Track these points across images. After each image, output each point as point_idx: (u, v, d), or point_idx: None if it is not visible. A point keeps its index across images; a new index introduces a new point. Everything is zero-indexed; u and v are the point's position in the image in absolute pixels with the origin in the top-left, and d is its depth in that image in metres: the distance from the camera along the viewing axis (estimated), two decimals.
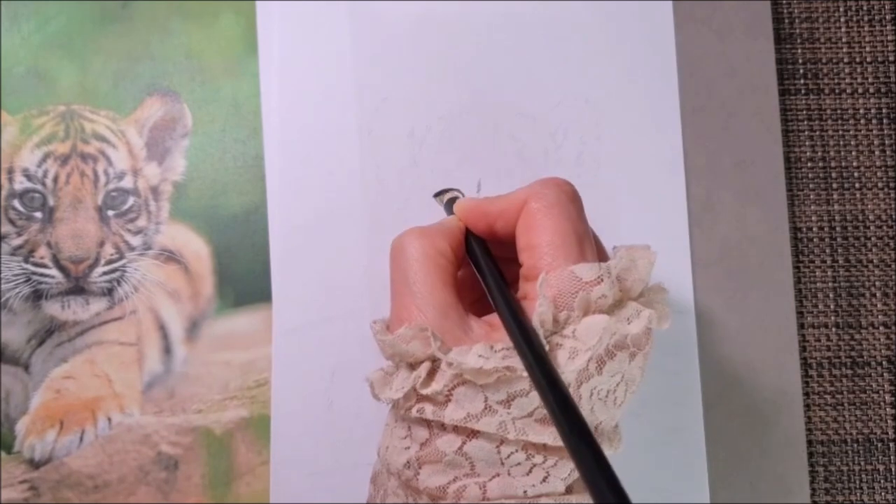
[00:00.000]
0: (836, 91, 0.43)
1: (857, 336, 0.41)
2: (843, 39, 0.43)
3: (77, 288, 0.39)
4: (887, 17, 0.43)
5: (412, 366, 0.29)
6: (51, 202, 0.40)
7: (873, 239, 0.42)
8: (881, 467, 0.41)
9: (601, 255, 0.31)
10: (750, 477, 0.40)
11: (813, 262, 0.42)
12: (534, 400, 0.28)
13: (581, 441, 0.24)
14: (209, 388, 0.40)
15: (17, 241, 0.40)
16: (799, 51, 0.43)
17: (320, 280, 0.40)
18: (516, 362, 0.27)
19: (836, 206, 0.42)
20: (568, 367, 0.27)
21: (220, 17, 0.42)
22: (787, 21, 0.43)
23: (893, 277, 0.42)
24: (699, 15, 0.42)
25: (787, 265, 0.41)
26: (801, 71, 0.43)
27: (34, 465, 0.39)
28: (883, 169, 0.42)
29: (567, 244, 0.29)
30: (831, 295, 0.41)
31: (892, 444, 0.41)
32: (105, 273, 0.40)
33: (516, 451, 0.28)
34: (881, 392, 0.41)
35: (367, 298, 0.40)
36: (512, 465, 0.28)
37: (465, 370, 0.27)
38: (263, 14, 0.41)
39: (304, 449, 0.39)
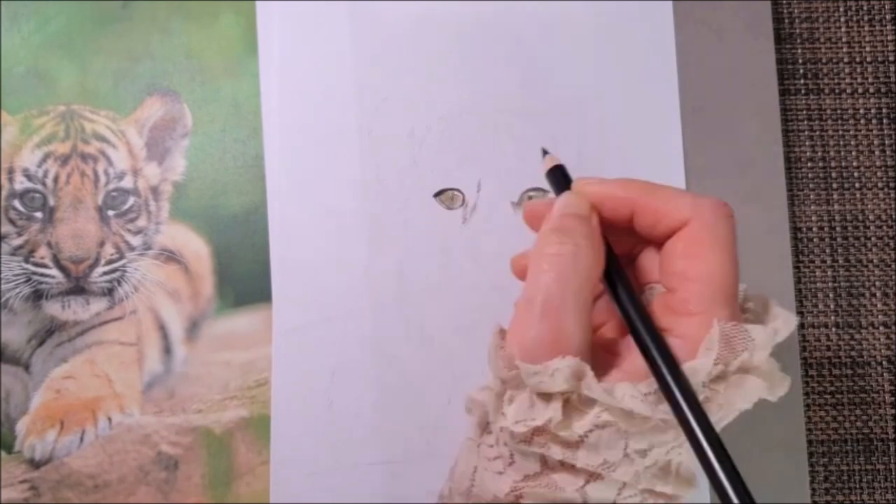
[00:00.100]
0: (836, 91, 0.43)
1: (857, 336, 0.41)
2: (843, 39, 0.43)
3: (77, 288, 0.39)
4: (887, 17, 0.43)
5: (541, 396, 0.26)
6: (51, 202, 0.40)
7: (873, 239, 0.42)
8: (881, 467, 0.41)
9: None
10: (750, 477, 0.40)
11: (813, 262, 0.42)
12: (664, 451, 0.26)
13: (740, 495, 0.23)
14: (209, 388, 0.40)
15: (17, 241, 0.40)
16: (799, 51, 0.43)
17: (320, 280, 0.40)
18: (668, 411, 0.25)
19: (836, 206, 0.42)
20: (717, 423, 0.26)
21: (220, 17, 0.42)
22: (787, 21, 0.43)
23: (893, 277, 0.42)
24: (699, 15, 0.42)
25: (787, 265, 0.41)
26: (801, 71, 0.43)
27: (34, 464, 0.39)
28: (883, 169, 0.42)
29: (729, 289, 0.26)
30: (831, 295, 0.41)
31: (892, 444, 0.41)
32: (105, 273, 0.40)
33: (635, 494, 0.26)
34: (881, 392, 0.41)
35: (368, 298, 0.40)
36: (624, 501, 0.26)
37: (616, 413, 0.25)
38: (263, 14, 0.41)
39: (304, 449, 0.39)
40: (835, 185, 0.42)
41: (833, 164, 0.42)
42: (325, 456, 0.39)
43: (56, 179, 0.40)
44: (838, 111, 0.42)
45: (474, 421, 0.29)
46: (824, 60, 0.43)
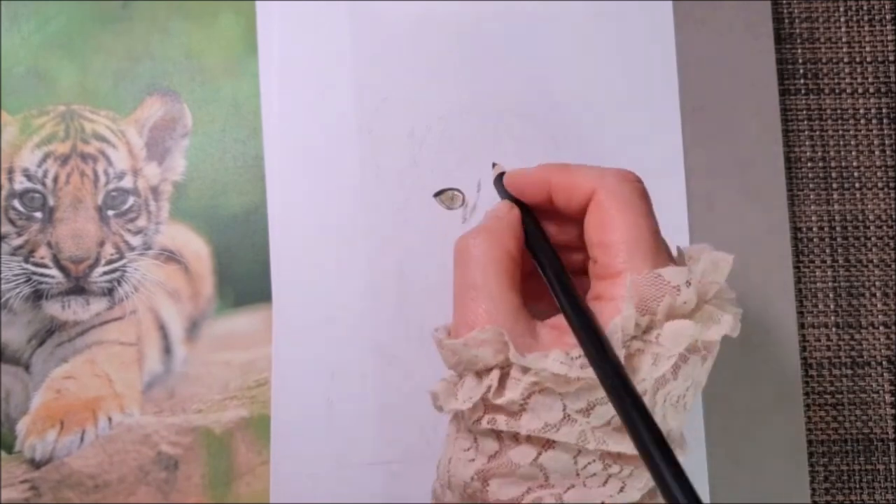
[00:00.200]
0: (836, 91, 0.43)
1: (857, 336, 0.41)
2: (843, 39, 0.43)
3: (77, 288, 0.39)
4: (887, 17, 0.43)
5: (479, 374, 0.28)
6: (51, 202, 0.40)
7: (873, 239, 0.42)
8: (881, 467, 0.41)
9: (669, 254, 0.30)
10: (750, 477, 0.40)
11: (813, 262, 0.42)
12: (610, 408, 0.26)
13: (660, 453, 0.23)
14: (209, 388, 0.40)
15: (17, 241, 0.40)
16: (799, 51, 0.43)
17: (320, 280, 0.40)
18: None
19: (836, 206, 0.42)
20: (651, 373, 0.26)
21: (220, 17, 0.42)
22: (787, 21, 0.43)
23: (893, 277, 0.42)
24: (699, 15, 0.42)
25: (787, 265, 0.41)
26: (801, 71, 0.43)
27: (35, 465, 0.39)
28: (883, 169, 0.42)
29: (644, 244, 0.28)
30: (831, 295, 0.41)
31: (892, 444, 0.41)
32: (105, 273, 0.40)
33: (594, 461, 0.27)
34: (881, 392, 0.41)
35: (367, 298, 0.40)
36: (588, 475, 0.27)
37: (546, 377, 0.26)
38: (263, 14, 0.41)
39: (304, 449, 0.39)
40: (835, 185, 0.42)
41: (833, 164, 0.42)
42: (325, 456, 0.39)
43: (56, 179, 0.40)
44: (838, 111, 0.42)
45: (450, 416, 0.30)
46: (824, 60, 0.43)
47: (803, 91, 0.43)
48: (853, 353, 0.41)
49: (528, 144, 0.41)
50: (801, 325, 0.41)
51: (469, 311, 0.28)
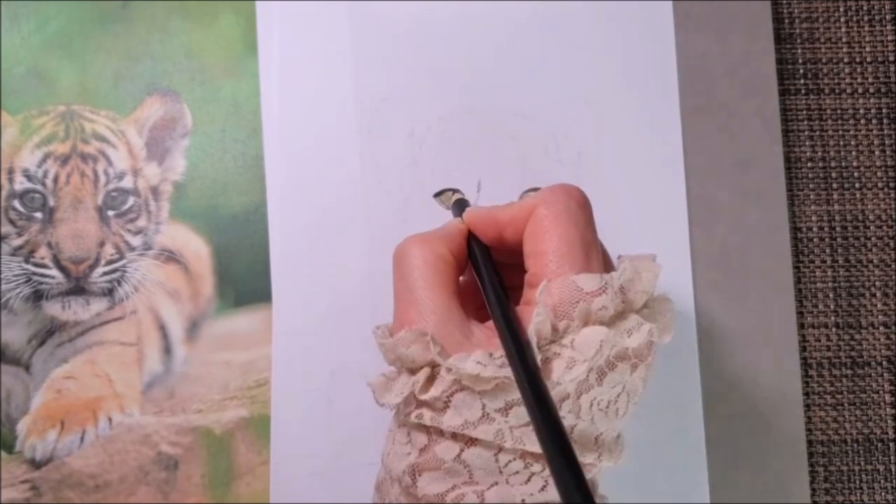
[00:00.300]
0: (836, 91, 0.43)
1: (857, 336, 0.41)
2: (843, 39, 0.43)
3: (77, 288, 0.40)
4: (887, 17, 0.43)
5: (413, 371, 0.29)
6: (51, 202, 0.40)
7: (873, 239, 0.42)
8: (881, 467, 0.41)
9: (608, 266, 0.31)
10: (750, 477, 0.40)
11: (813, 262, 0.42)
12: None
13: (562, 460, 0.24)
14: (209, 388, 0.40)
15: (17, 242, 0.40)
16: (799, 51, 0.43)
17: (320, 280, 0.40)
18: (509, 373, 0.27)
19: (836, 206, 0.42)
20: (565, 376, 0.27)
21: (220, 17, 0.42)
22: (787, 21, 0.43)
23: (893, 277, 0.42)
24: (699, 15, 0.42)
25: (787, 265, 0.41)
26: (801, 71, 0.43)
27: (35, 465, 0.39)
28: (883, 169, 0.42)
29: (573, 252, 0.28)
30: (831, 295, 0.41)
31: (892, 444, 0.41)
32: (105, 273, 0.40)
33: (514, 459, 0.28)
34: (881, 392, 0.41)
35: (368, 299, 0.40)
36: (510, 473, 0.28)
37: (463, 376, 0.27)
38: (263, 14, 0.41)
39: (304, 449, 0.39)
40: (835, 185, 0.42)
41: (833, 164, 0.42)
42: (325, 456, 0.39)
43: (56, 179, 0.40)
44: (838, 111, 0.42)
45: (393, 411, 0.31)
46: (824, 60, 0.43)
47: (803, 91, 0.43)
48: (853, 354, 0.41)
49: (528, 144, 0.41)
50: (801, 325, 0.41)
51: (402, 311, 0.30)
